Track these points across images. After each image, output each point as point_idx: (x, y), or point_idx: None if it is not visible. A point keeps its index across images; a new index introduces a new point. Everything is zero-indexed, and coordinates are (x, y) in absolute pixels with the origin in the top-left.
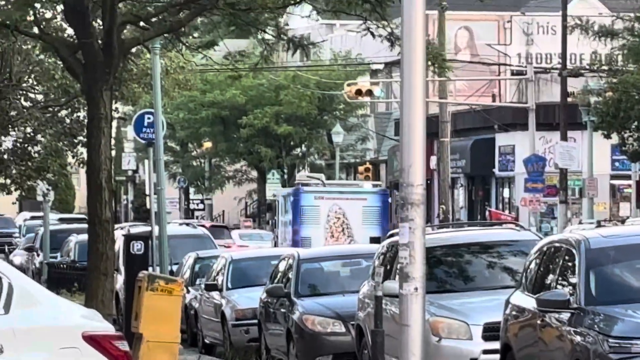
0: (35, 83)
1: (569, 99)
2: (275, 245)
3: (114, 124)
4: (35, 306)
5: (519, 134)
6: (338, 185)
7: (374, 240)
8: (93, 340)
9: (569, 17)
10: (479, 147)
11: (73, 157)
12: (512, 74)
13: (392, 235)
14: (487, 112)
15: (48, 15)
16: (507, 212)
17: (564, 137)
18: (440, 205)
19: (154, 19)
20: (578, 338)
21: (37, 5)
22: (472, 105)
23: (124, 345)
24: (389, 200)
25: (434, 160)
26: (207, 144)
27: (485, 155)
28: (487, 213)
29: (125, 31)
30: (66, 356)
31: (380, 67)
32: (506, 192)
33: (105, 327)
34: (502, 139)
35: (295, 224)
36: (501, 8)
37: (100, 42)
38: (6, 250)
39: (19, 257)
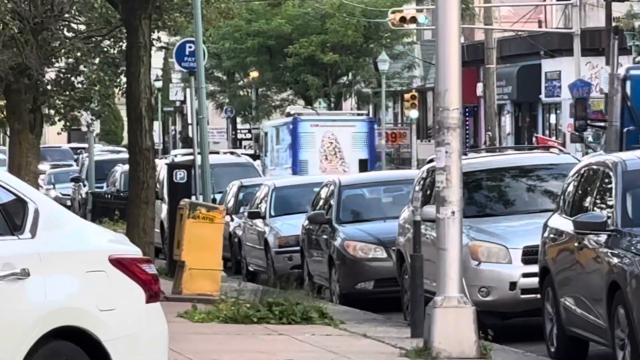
0: (77, 13)
1: (614, 24)
2: (263, 172)
3: (162, 55)
4: (62, 230)
5: (565, 60)
6: (330, 115)
7: (363, 161)
8: (120, 263)
9: None
10: (525, 74)
11: (116, 87)
12: None
13: (431, 160)
14: (532, 38)
15: None
16: (554, 138)
17: (608, 62)
18: (487, 132)
19: None
20: (615, 260)
21: None
22: (518, 31)
23: (151, 269)
24: (375, 127)
25: (480, 87)
26: (254, 74)
27: (531, 82)
28: (534, 139)
29: None
30: (93, 279)
31: None
32: (553, 118)
33: (132, 250)
34: (548, 65)
35: (294, 150)
36: None
37: None
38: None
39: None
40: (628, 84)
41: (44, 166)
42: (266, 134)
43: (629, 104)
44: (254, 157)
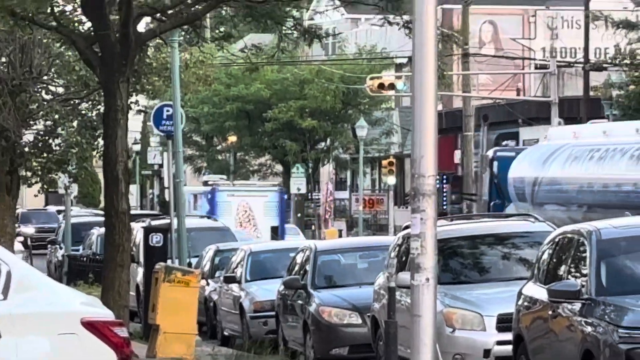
0: (55, 76)
1: (592, 93)
2: None
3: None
4: (34, 292)
5: (543, 128)
6: (245, 185)
7: (274, 228)
8: (92, 326)
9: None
10: (503, 141)
11: (93, 149)
12: (536, 68)
13: (407, 227)
14: (511, 106)
15: (68, 8)
16: None
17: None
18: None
19: (170, 11)
20: (588, 328)
21: None
22: (496, 99)
23: (123, 332)
24: (285, 197)
25: (458, 154)
26: (232, 138)
27: None
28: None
29: (142, 23)
30: (64, 342)
31: (404, 60)
32: None
33: (105, 313)
34: (526, 133)
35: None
36: (526, 2)
37: (116, 34)
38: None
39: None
40: (495, 164)
41: (29, 229)
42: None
43: (496, 181)
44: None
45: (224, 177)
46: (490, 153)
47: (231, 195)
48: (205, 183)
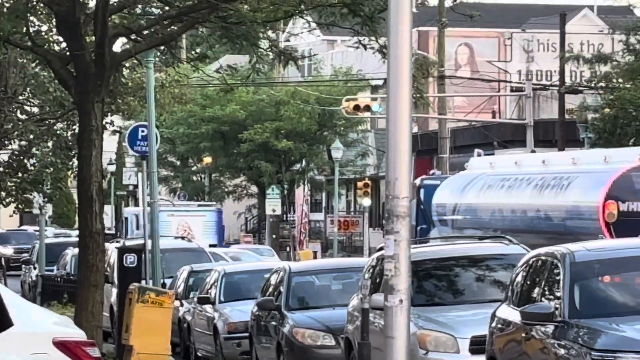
0: (30, 96)
1: (567, 116)
2: None
3: (116, 138)
4: None
5: (518, 151)
6: (184, 206)
7: (212, 245)
8: (64, 346)
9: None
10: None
11: (68, 169)
12: (512, 90)
13: (381, 249)
14: (486, 128)
15: (44, 28)
16: None
17: None
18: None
19: (145, 32)
20: (561, 351)
21: (30, 17)
22: (472, 121)
23: (95, 352)
24: (222, 216)
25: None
26: (207, 159)
27: None
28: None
29: (117, 44)
30: None
31: (380, 82)
32: None
33: (77, 333)
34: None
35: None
36: (502, 25)
37: (92, 54)
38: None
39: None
40: (422, 191)
41: (7, 249)
42: (126, 219)
43: (422, 207)
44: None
45: (165, 198)
46: (417, 181)
47: (171, 215)
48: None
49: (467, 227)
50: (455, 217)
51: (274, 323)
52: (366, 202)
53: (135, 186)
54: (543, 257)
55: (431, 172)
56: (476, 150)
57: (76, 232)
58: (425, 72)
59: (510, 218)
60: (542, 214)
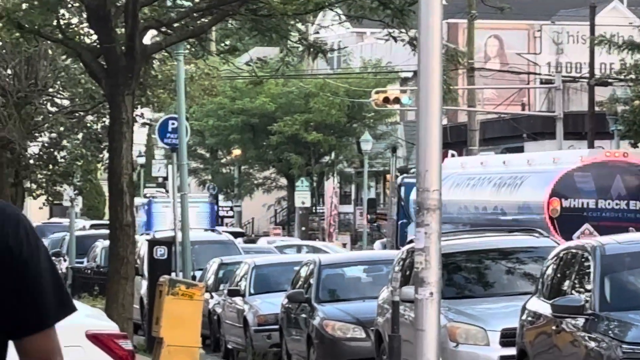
0: (61, 88)
1: (597, 108)
2: None
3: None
4: None
5: (548, 143)
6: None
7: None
8: (96, 339)
9: (596, 29)
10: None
11: (98, 162)
12: (541, 82)
13: (411, 241)
14: (515, 120)
15: (75, 20)
16: None
17: (591, 146)
18: None
19: (176, 25)
20: (592, 344)
21: (61, 10)
22: (501, 113)
23: (127, 345)
24: (215, 207)
25: None
26: (237, 151)
27: None
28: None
29: (147, 36)
30: (69, 355)
31: (410, 75)
32: None
33: (109, 326)
34: (531, 148)
35: (149, 226)
36: (531, 17)
37: (122, 47)
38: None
39: None
40: (402, 189)
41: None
42: (136, 207)
43: (402, 203)
44: (236, 234)
45: (162, 190)
46: (398, 180)
47: (165, 206)
48: (145, 196)
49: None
50: None
51: (304, 315)
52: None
53: (165, 178)
54: (573, 250)
55: (411, 170)
56: (450, 152)
57: None
58: (456, 63)
59: (473, 213)
60: (499, 210)
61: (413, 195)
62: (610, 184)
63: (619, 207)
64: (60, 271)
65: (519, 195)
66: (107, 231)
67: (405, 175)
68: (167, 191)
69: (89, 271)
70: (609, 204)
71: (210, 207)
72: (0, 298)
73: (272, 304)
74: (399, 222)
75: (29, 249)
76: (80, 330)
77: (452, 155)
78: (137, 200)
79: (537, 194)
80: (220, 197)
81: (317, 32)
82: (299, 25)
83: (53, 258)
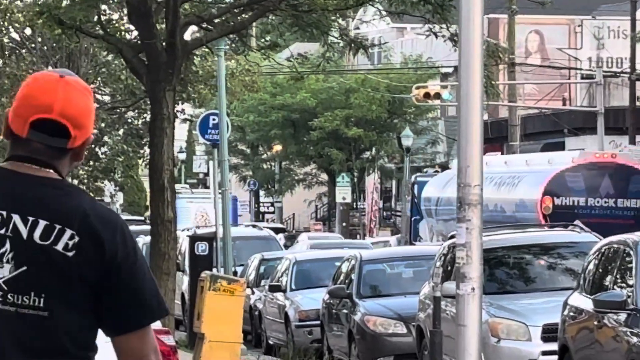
0: (102, 84)
1: (638, 103)
2: None
3: (186, 127)
4: None
5: (589, 138)
6: (202, 193)
7: None
8: None
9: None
10: (548, 151)
11: (139, 158)
12: (582, 77)
13: (453, 236)
14: (556, 115)
15: (115, 16)
16: None
17: (633, 141)
18: None
19: (216, 20)
20: (634, 339)
21: (102, 6)
22: (542, 109)
23: (169, 340)
24: (238, 202)
25: None
26: (277, 147)
27: None
28: None
29: (188, 32)
30: (111, 350)
31: (450, 70)
32: None
33: None
34: (572, 143)
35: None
36: (572, 12)
37: (163, 42)
38: None
39: None
40: (415, 187)
41: None
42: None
43: (415, 201)
44: (277, 230)
45: (187, 186)
46: (412, 179)
47: (190, 201)
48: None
49: (445, 217)
50: (437, 208)
51: (345, 311)
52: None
53: (206, 174)
54: (615, 245)
55: (425, 170)
56: (425, 170)
57: None
58: (497, 59)
59: None
60: (499, 207)
61: (424, 194)
62: (599, 184)
63: (607, 204)
64: None
65: (516, 194)
66: (147, 227)
67: (418, 174)
68: (190, 187)
69: None
70: (598, 201)
71: (232, 203)
72: (106, 299)
73: (314, 299)
74: (413, 219)
75: (134, 257)
76: None
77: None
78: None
79: (531, 192)
80: (261, 192)
81: (358, 28)
82: (340, 20)
83: None
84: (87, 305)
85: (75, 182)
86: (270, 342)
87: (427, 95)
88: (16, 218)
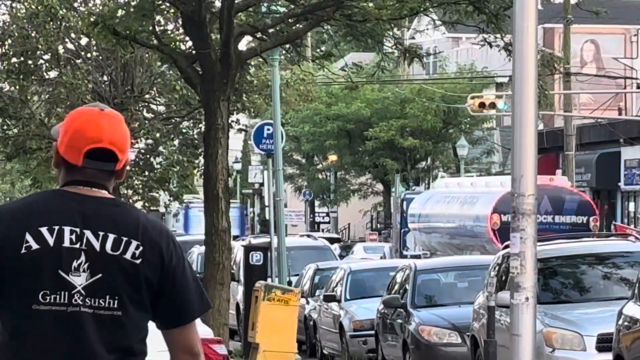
0: (156, 94)
1: None
2: None
3: (241, 137)
4: None
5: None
6: None
7: (235, 237)
8: None
9: None
10: (604, 161)
11: (194, 168)
12: (638, 87)
13: (507, 247)
14: (612, 125)
15: (170, 27)
16: (632, 226)
17: None
18: None
19: (271, 30)
20: None
21: (156, 17)
22: (598, 118)
23: (221, 349)
24: (245, 212)
25: (559, 173)
26: (333, 157)
27: (610, 169)
28: (612, 227)
29: (243, 42)
30: (164, 358)
31: (505, 80)
32: (632, 207)
33: (203, 331)
34: (628, 153)
35: (187, 229)
36: (627, 21)
37: (217, 52)
38: None
39: None
40: (404, 203)
41: None
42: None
43: (405, 215)
44: (332, 240)
45: (198, 196)
46: (401, 196)
47: (200, 210)
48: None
49: (425, 231)
50: (419, 223)
51: (399, 321)
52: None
53: (261, 184)
54: None
55: (413, 188)
56: (440, 174)
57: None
58: (551, 68)
59: (446, 225)
60: (461, 222)
61: (410, 210)
62: (539, 203)
63: (546, 220)
64: None
65: (473, 211)
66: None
67: (407, 192)
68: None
69: None
70: (538, 218)
71: (240, 212)
72: (163, 298)
73: (368, 309)
74: (402, 230)
75: (183, 261)
76: None
77: (442, 177)
78: (175, 206)
79: (483, 210)
80: (316, 202)
81: (413, 38)
82: (395, 30)
83: None
84: (149, 304)
85: (130, 192)
86: (325, 352)
87: (482, 105)
88: (88, 233)
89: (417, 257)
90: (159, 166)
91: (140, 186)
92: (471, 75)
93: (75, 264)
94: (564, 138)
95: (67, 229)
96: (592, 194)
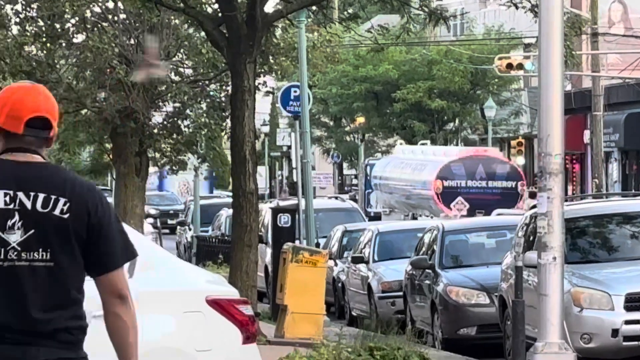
0: (184, 57)
1: None
2: None
3: (269, 99)
4: (159, 270)
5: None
6: None
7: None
8: (217, 304)
9: None
10: (632, 121)
11: (221, 130)
12: None
13: (534, 206)
14: None
15: None
16: None
17: None
18: (594, 179)
19: None
20: None
21: None
22: (626, 78)
23: (248, 310)
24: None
25: (587, 134)
26: (360, 119)
27: (639, 129)
28: None
29: (269, 4)
30: (190, 319)
31: (533, 40)
32: None
33: (229, 292)
34: None
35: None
36: None
37: (243, 15)
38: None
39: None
40: (368, 167)
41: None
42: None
43: (368, 178)
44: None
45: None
46: (366, 161)
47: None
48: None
49: (384, 191)
50: (380, 185)
51: (428, 282)
52: (520, 160)
53: (289, 147)
54: None
55: (376, 155)
56: (399, 141)
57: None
58: (577, 30)
59: (399, 186)
60: (410, 185)
61: (373, 173)
62: (475, 170)
63: (481, 185)
64: (185, 240)
65: (421, 176)
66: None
67: (370, 158)
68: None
69: (213, 240)
70: (474, 183)
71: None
72: (92, 249)
73: (396, 270)
74: (367, 192)
75: (109, 215)
76: (200, 295)
77: (401, 144)
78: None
79: (429, 176)
80: (345, 165)
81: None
82: None
83: (178, 227)
84: (79, 255)
85: (158, 155)
86: (354, 314)
87: (509, 66)
88: (21, 195)
89: (378, 214)
90: (186, 129)
91: (169, 149)
92: (498, 36)
93: (9, 222)
94: (591, 98)
95: (1, 192)
96: (621, 155)
